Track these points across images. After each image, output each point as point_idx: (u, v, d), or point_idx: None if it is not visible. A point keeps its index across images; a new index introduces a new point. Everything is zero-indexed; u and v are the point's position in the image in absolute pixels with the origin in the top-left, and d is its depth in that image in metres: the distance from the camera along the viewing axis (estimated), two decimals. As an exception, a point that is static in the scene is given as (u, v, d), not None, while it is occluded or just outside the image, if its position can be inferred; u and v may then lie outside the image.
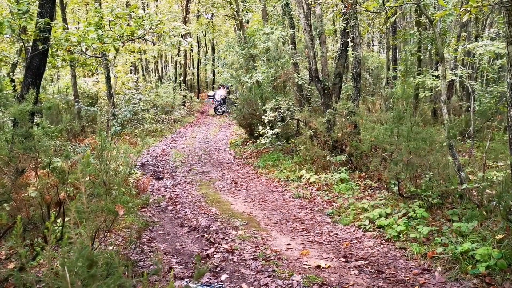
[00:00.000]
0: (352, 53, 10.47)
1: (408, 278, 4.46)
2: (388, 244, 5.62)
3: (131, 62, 25.54)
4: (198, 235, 6.18)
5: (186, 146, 16.13)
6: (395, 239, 5.74)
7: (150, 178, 10.36)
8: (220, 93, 26.26)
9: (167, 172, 11.29)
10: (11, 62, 10.70)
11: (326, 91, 11.29)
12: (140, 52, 23.01)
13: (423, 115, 9.97)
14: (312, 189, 8.83)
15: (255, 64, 12.83)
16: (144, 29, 10.22)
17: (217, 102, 26.11)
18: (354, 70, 10.61)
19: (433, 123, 14.11)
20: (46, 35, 7.11)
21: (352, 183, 8.88)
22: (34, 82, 7.41)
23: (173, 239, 6.12)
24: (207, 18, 35.50)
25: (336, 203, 7.81)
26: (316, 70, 11.50)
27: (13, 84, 9.76)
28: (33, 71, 7.39)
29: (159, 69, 38.36)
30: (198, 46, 38.15)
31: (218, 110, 26.01)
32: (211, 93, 27.82)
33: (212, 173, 10.93)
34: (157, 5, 33.83)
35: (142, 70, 32.59)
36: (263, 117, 11.62)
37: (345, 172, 9.48)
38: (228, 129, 20.79)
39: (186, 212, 7.41)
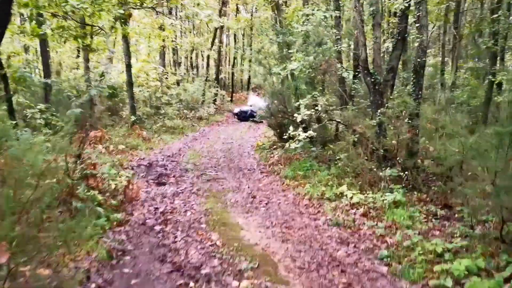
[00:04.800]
0: (418, 38, 8.04)
1: None
2: (495, 334, 3.25)
3: (161, 51, 23.82)
4: (181, 282, 3.99)
5: (206, 146, 14.06)
6: (504, 322, 3.36)
7: (147, 183, 8.30)
8: (253, 101, 24.20)
9: (174, 176, 9.20)
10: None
11: (377, 87, 8.91)
12: (164, 40, 21.15)
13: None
14: (355, 213, 6.49)
15: (290, 51, 10.57)
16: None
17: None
18: (418, 60, 8.16)
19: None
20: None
21: (412, 209, 6.49)
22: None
23: (141, 285, 3.96)
24: (247, 17, 33.56)
25: (391, 238, 5.44)
26: (366, 59, 9.14)
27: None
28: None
29: (192, 65, 36.70)
30: (235, 42, 36.31)
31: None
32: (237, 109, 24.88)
33: (227, 181, 8.74)
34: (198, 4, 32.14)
35: (175, 65, 31.00)
36: (295, 115, 9.36)
37: (399, 192, 7.07)
38: (258, 130, 18.63)
39: (176, 237, 5.24)
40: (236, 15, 32.94)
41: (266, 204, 6.92)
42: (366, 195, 7.17)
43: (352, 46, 11.39)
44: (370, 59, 9.69)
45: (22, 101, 13.85)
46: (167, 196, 7.36)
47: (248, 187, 8.11)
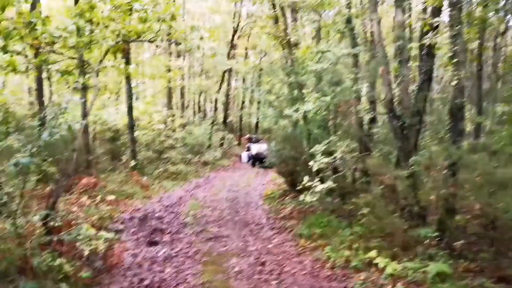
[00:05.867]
0: (455, 74, 6.91)
1: None
2: None
3: (167, 94, 23.16)
4: None
5: (210, 195, 12.80)
6: None
7: (137, 242, 7.00)
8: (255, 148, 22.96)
9: (169, 233, 7.91)
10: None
11: (405, 132, 7.74)
12: (170, 81, 20.48)
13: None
14: (392, 291, 5.12)
15: (303, 92, 9.53)
16: (151, 29, 7.26)
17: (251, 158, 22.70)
18: (456, 101, 6.99)
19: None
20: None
21: (462, 285, 5.13)
22: None
23: None
24: (254, 62, 33.25)
25: (447, 333, 4.07)
26: (392, 100, 8.02)
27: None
28: None
29: (200, 108, 36.07)
30: (243, 84, 35.83)
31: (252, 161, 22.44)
32: (244, 156, 23.91)
33: (231, 240, 7.41)
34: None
35: (182, 108, 30.35)
36: (311, 163, 8.15)
37: (442, 260, 5.75)
38: (266, 176, 17.39)
39: (159, 329, 3.91)
40: (244, 59, 32.59)
41: (279, 275, 5.56)
42: (401, 263, 5.83)
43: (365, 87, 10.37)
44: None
45: (13, 143, 12.89)
46: (158, 261, 6.05)
47: (256, 249, 6.77)
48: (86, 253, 4.93)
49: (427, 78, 8.12)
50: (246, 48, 32.98)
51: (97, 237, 5.43)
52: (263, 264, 5.95)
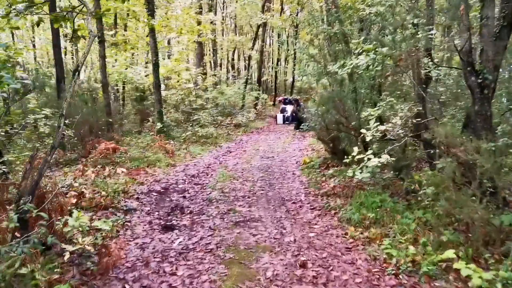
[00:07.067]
0: None
1: None
2: None
3: (196, 50, 21.69)
4: None
5: (242, 162, 11.50)
6: None
7: (150, 225, 5.76)
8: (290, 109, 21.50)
9: (190, 212, 6.67)
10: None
11: (486, 91, 6.07)
12: (200, 35, 18.92)
13: None
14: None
15: (350, 44, 7.79)
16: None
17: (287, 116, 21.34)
18: None
19: None
20: None
21: None
22: None
23: None
24: (291, 15, 30.95)
25: None
26: (471, 51, 6.27)
27: None
28: None
29: (234, 66, 34.40)
30: (279, 39, 33.68)
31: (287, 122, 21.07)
32: (280, 117, 22.48)
33: (263, 225, 6.07)
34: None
35: (215, 66, 28.85)
36: (362, 131, 6.57)
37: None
38: (304, 140, 15.93)
39: None
40: (280, 14, 30.37)
41: (325, 284, 4.18)
42: (490, 270, 4.32)
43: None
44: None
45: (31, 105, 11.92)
46: (170, 256, 4.80)
47: (294, 241, 5.40)
48: (67, 255, 3.69)
49: (507, 24, 6.26)
50: (281, 2, 30.69)
51: (89, 229, 4.19)
52: (303, 265, 4.58)
